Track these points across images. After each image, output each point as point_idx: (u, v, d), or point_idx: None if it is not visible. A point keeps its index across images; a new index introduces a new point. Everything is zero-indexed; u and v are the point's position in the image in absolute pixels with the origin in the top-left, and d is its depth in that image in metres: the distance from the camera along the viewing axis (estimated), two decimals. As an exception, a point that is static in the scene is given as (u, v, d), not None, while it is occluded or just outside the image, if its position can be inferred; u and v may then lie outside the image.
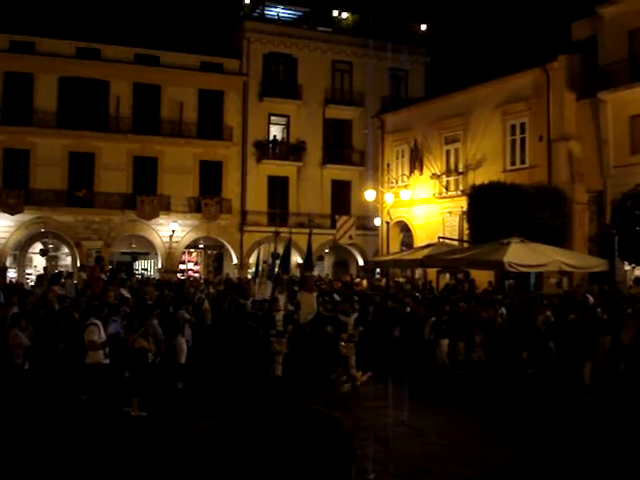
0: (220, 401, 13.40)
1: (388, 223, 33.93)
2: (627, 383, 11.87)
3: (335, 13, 42.74)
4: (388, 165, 36.70)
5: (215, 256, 41.84)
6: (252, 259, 38.33)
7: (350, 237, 34.84)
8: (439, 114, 33.25)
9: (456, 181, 32.41)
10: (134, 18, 39.76)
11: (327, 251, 41.68)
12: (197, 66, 38.87)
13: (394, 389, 14.64)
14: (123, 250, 38.89)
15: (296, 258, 35.56)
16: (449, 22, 48.55)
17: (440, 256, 22.94)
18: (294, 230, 27.69)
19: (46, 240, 37.59)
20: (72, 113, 35.42)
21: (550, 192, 25.51)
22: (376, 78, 40.22)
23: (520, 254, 18.67)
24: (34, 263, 38.20)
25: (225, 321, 18.99)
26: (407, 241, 36.37)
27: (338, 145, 41.86)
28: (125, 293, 17.48)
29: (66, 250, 37.90)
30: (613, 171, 25.33)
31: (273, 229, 37.20)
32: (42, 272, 27.80)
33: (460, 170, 32.11)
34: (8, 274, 35.15)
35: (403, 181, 35.44)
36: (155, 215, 36.69)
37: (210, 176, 38.91)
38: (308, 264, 17.72)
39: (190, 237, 38.64)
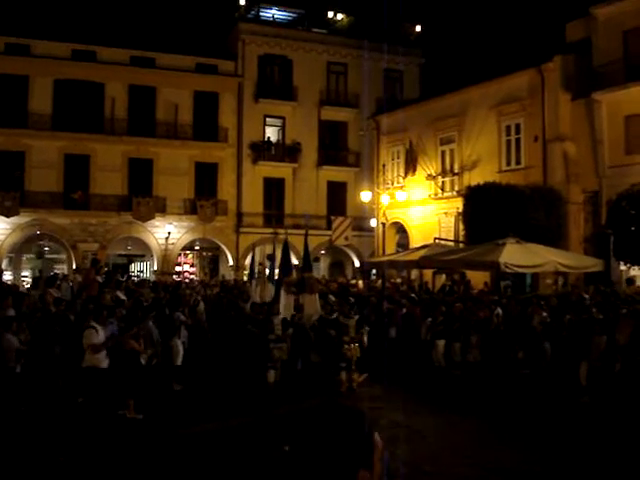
0: (217, 403, 13.40)
1: (384, 224, 33.98)
2: (623, 383, 11.89)
3: (330, 15, 42.80)
4: (384, 166, 36.71)
5: (211, 258, 41.86)
6: (248, 261, 38.34)
7: (346, 238, 34.86)
8: (434, 115, 33.30)
9: (451, 182, 32.45)
10: (129, 20, 39.81)
11: (323, 252, 41.71)
12: (192, 68, 38.88)
13: (391, 390, 14.65)
14: (119, 252, 38.89)
15: (292, 259, 35.51)
16: (443, 23, 48.62)
17: (436, 257, 22.94)
18: (290, 231, 27.68)
19: (42, 242, 37.53)
20: (67, 115, 35.40)
21: (545, 192, 25.55)
22: (371, 79, 40.29)
23: (516, 255, 18.68)
24: (29, 265, 38.14)
25: (223, 324, 18.87)
26: (403, 242, 36.38)
27: (333, 146, 41.89)
28: (121, 295, 17.47)
29: (62, 252, 37.84)
30: (608, 171, 25.38)
31: (269, 230, 37.39)
32: (38, 275, 27.77)
33: (455, 171, 32.15)
34: (4, 276, 35.08)
35: (399, 182, 35.45)
36: (151, 217, 36.67)
37: (205, 178, 38.93)
38: (306, 265, 17.58)
39: (186, 239, 38.64)
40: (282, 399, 12.91)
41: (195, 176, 38.67)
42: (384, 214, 35.62)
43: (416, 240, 32.95)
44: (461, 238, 28.29)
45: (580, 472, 9.62)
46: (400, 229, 36.72)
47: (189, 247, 40.22)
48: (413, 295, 21.59)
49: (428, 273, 29.89)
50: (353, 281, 31.20)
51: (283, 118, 40.88)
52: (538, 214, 24.26)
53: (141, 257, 39.95)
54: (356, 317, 15.42)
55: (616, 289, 20.39)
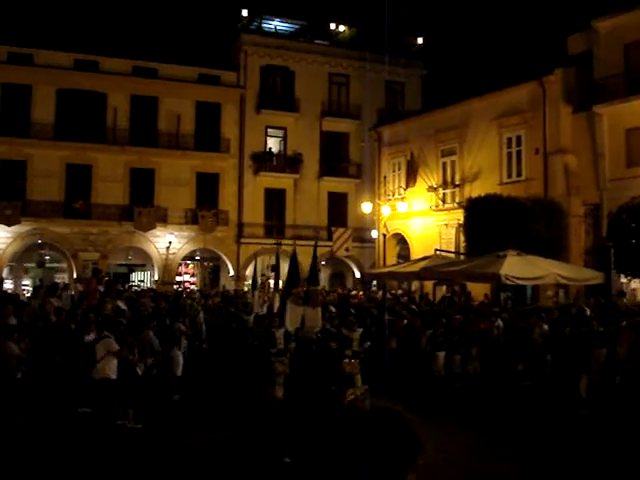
0: (216, 414, 13.37)
1: (384, 235, 33.99)
2: (623, 396, 11.87)
3: (332, 26, 42.98)
4: (385, 177, 36.77)
5: (212, 268, 41.85)
6: (249, 271, 38.33)
7: (347, 249, 34.94)
8: (435, 127, 33.36)
9: (452, 194, 32.47)
10: (132, 30, 39.96)
11: (323, 263, 41.67)
12: (194, 78, 39.00)
13: (390, 402, 14.63)
14: (120, 262, 38.89)
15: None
16: (445, 35, 48.81)
17: (436, 268, 22.93)
18: (291, 242, 27.65)
19: (43, 251, 37.55)
20: (69, 125, 35.51)
21: (546, 205, 25.57)
22: (373, 91, 40.40)
23: (517, 267, 18.67)
24: (30, 274, 38.15)
25: (223, 336, 18.72)
26: (403, 253, 36.37)
27: (335, 157, 41.96)
28: (122, 305, 17.46)
29: (63, 261, 37.85)
30: (609, 184, 25.40)
31: (270, 241, 37.41)
32: (38, 284, 27.77)
33: (456, 183, 32.18)
34: (4, 285, 35.10)
35: (400, 193, 35.48)
36: (152, 227, 36.70)
37: (207, 188, 38.99)
38: (313, 278, 17.23)
39: (187, 249, 38.66)
40: (281, 413, 12.77)
41: (196, 186, 38.75)
42: (385, 225, 35.62)
43: (417, 251, 32.95)
44: (462, 250, 28.29)
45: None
46: (401, 240, 36.72)
47: (190, 257, 40.24)
48: (413, 307, 21.59)
49: (429, 284, 29.88)
50: (354, 292, 31.19)
51: (285, 129, 40.98)
52: (539, 226, 24.27)
53: (142, 267, 39.95)
54: (360, 330, 15.12)
55: (616, 301, 20.36)
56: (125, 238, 37.18)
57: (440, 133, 33.13)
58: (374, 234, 36.96)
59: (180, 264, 39.65)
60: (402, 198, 34.97)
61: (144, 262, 39.26)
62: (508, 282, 18.57)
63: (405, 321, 18.72)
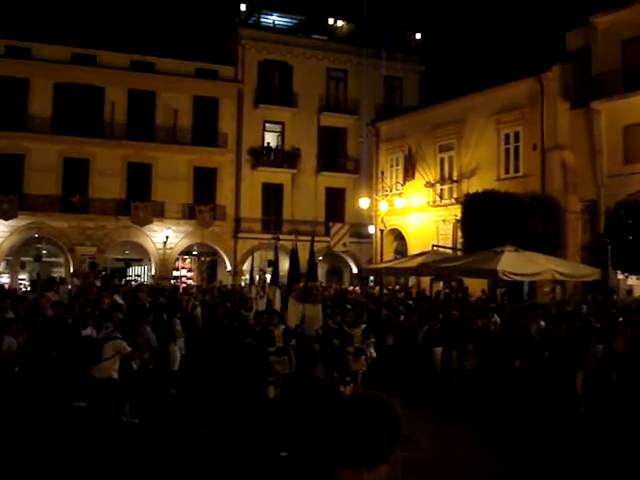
0: (213, 409, 13.36)
1: (382, 231, 34.00)
2: (619, 392, 11.88)
3: (330, 21, 42.86)
4: (382, 173, 36.76)
5: (209, 263, 41.82)
6: (246, 266, 38.31)
7: (344, 244, 34.92)
8: (433, 122, 33.36)
9: (450, 189, 32.48)
10: (130, 24, 39.88)
11: (320, 258, 41.63)
12: (192, 73, 38.91)
13: (387, 397, 14.59)
14: (117, 256, 38.83)
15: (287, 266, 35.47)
16: (444, 31, 48.74)
17: (434, 264, 22.97)
18: (289, 237, 27.65)
19: (40, 245, 37.50)
20: (67, 119, 35.42)
21: (544, 201, 25.59)
22: (371, 86, 40.28)
23: (514, 263, 18.71)
24: (27, 269, 38.12)
25: (222, 333, 18.49)
26: (401, 249, 36.40)
27: (333, 153, 41.91)
28: (119, 299, 17.44)
29: (60, 256, 37.80)
30: (606, 181, 25.41)
31: (267, 236, 37.38)
32: (35, 278, 27.74)
33: (454, 178, 32.19)
34: (1, 279, 35.11)
35: (397, 189, 35.49)
36: (149, 221, 36.65)
37: (204, 183, 38.94)
38: (311, 273, 16.82)
39: (184, 244, 38.63)
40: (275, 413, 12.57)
41: (194, 181, 38.69)
42: (382, 221, 35.63)
43: (414, 247, 32.97)
44: (459, 246, 28.30)
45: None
46: (398, 236, 36.74)
47: (187, 252, 40.20)
48: (410, 302, 21.60)
49: (426, 280, 29.89)
50: (350, 288, 31.20)
51: (282, 124, 40.93)
52: (536, 222, 24.29)
53: (139, 261, 39.91)
54: (362, 326, 14.88)
55: (613, 298, 20.39)
56: (122, 232, 37.13)
57: (438, 129, 33.14)
58: (371, 229, 36.95)
59: (177, 259, 39.61)
60: (400, 193, 34.97)
61: (141, 257, 39.22)
62: (505, 278, 18.63)
63: (402, 317, 18.72)
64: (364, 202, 34.14)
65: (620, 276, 22.69)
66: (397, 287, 30.07)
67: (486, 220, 24.21)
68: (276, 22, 42.46)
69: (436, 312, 18.14)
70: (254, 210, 39.83)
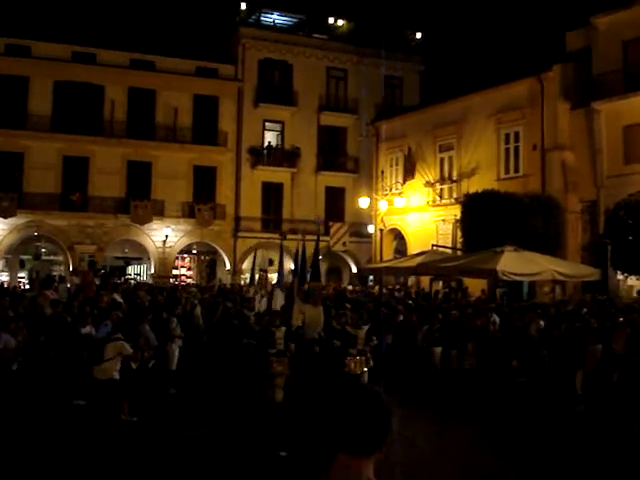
0: (213, 408, 13.34)
1: (382, 230, 34.01)
2: (619, 393, 11.87)
3: (331, 20, 42.83)
4: (382, 172, 36.77)
5: (208, 262, 41.79)
6: (245, 265, 38.30)
7: (344, 244, 34.92)
8: (433, 122, 33.36)
9: (450, 189, 32.49)
10: (130, 23, 39.83)
11: (320, 258, 41.57)
12: (192, 71, 38.88)
13: (386, 397, 14.57)
14: (116, 255, 38.80)
15: (289, 265, 35.52)
16: (444, 30, 48.66)
17: (433, 264, 22.94)
18: (294, 237, 27.56)
19: (39, 244, 37.48)
20: (67, 117, 35.38)
21: (544, 201, 25.58)
22: (371, 85, 40.24)
23: (513, 263, 18.69)
24: (26, 267, 38.09)
25: (223, 333, 18.30)
26: (400, 248, 36.41)
27: (332, 152, 41.87)
28: (118, 298, 17.43)
29: (59, 254, 37.77)
30: (606, 181, 25.42)
31: (267, 235, 37.39)
32: (34, 276, 27.73)
33: (454, 178, 32.20)
34: (0, 277, 35.08)
35: (397, 188, 35.49)
36: (148, 220, 36.62)
37: (204, 181, 38.91)
38: (315, 273, 16.48)
39: (183, 242, 38.60)
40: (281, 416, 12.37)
41: (193, 180, 38.65)
42: (382, 220, 35.64)
43: (414, 247, 32.96)
44: (459, 245, 28.29)
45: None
46: (398, 235, 36.74)
47: (186, 251, 40.18)
48: (410, 302, 21.58)
49: (425, 280, 29.87)
50: (350, 287, 31.18)
51: (282, 123, 40.89)
52: (536, 222, 24.28)
53: (138, 260, 39.87)
54: (366, 327, 14.63)
55: (613, 298, 20.39)
56: (122, 231, 37.10)
57: (438, 128, 33.14)
58: (371, 229, 36.95)
59: (177, 258, 39.58)
60: (399, 193, 34.98)
61: (141, 255, 39.18)
62: (505, 278, 18.61)
63: (401, 317, 18.70)
64: (364, 202, 34.14)
65: (620, 276, 22.70)
66: (397, 286, 30.05)
67: (486, 220, 24.20)
68: (276, 21, 42.44)
69: (436, 312, 18.12)
70: (254, 209, 39.80)
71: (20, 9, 37.27)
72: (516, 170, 29.19)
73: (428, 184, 33.20)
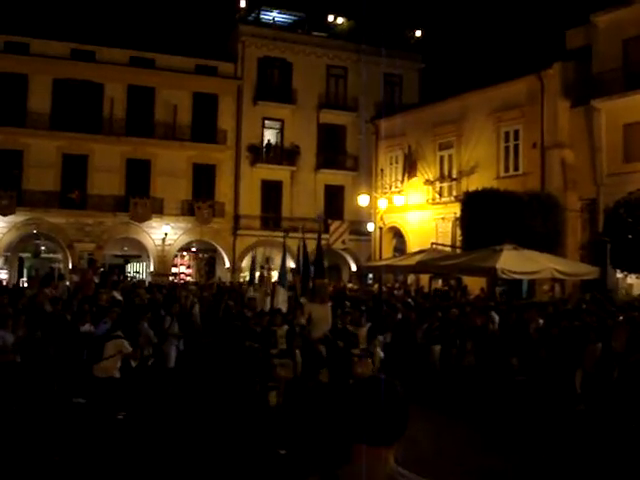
0: (212, 407, 13.32)
1: (381, 228, 33.95)
2: (619, 391, 11.85)
3: (330, 18, 42.85)
4: (382, 170, 36.74)
5: (207, 260, 41.77)
6: (245, 263, 38.28)
7: (343, 242, 34.86)
8: (433, 120, 33.33)
9: (449, 187, 32.47)
10: (129, 20, 39.80)
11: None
12: (192, 69, 38.86)
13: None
14: (115, 252, 38.81)
15: (289, 263, 35.47)
16: (444, 28, 48.63)
17: (433, 262, 22.91)
18: (294, 235, 27.49)
19: (38, 242, 37.46)
20: (66, 115, 35.37)
21: (543, 199, 25.56)
22: (370, 83, 40.26)
23: (513, 261, 18.66)
24: (25, 264, 38.06)
25: (224, 333, 18.12)
26: (400, 247, 36.39)
27: (332, 150, 41.86)
28: (117, 296, 17.42)
29: (58, 252, 37.76)
30: (606, 179, 25.40)
31: (266, 233, 37.40)
32: (34, 274, 27.70)
33: (453, 176, 32.18)
34: (-1, 275, 35.08)
35: (396, 187, 35.48)
36: (148, 218, 36.62)
37: (203, 179, 38.90)
38: (319, 271, 16.16)
39: (182, 240, 38.59)
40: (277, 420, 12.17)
41: (193, 178, 38.65)
42: (381, 218, 35.59)
43: (413, 245, 32.96)
44: (458, 243, 28.27)
45: (574, 480, 9.61)
46: (397, 234, 36.72)
47: (186, 249, 40.18)
48: (409, 300, 21.56)
49: (425, 278, 29.85)
50: (349, 285, 31.16)
51: (282, 121, 40.88)
52: (535, 221, 24.25)
53: (137, 258, 39.86)
54: (367, 326, 14.40)
55: (612, 296, 20.36)
56: (121, 229, 37.09)
57: (438, 126, 33.11)
58: (370, 227, 36.92)
59: (176, 255, 39.58)
60: (399, 191, 34.95)
61: (140, 253, 39.17)
62: (504, 276, 18.58)
63: (400, 315, 18.68)
64: (363, 200, 34.06)
65: (619, 275, 22.67)
66: (396, 285, 30.03)
67: (485, 218, 24.18)
68: (276, 19, 42.44)
69: (435, 310, 18.11)
70: (253, 207, 39.79)
71: (19, 6, 37.24)
72: (516, 168, 29.18)
73: (428, 182, 33.19)
